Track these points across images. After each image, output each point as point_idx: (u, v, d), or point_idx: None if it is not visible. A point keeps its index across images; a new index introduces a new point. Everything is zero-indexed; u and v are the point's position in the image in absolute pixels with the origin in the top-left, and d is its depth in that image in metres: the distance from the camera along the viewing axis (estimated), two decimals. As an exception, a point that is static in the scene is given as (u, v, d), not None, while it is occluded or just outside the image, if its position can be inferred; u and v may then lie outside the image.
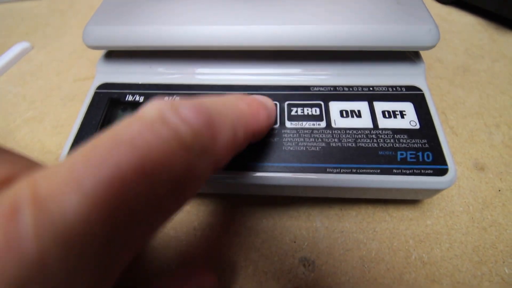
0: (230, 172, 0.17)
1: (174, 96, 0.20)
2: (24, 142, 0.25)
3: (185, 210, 0.20)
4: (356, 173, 0.17)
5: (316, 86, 0.20)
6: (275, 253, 0.18)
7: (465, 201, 0.20)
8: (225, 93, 0.20)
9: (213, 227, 0.20)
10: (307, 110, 0.19)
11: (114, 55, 0.22)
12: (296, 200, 0.20)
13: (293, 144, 0.18)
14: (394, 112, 0.19)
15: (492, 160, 0.22)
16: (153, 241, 0.19)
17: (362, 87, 0.20)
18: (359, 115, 0.19)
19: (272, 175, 0.17)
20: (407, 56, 0.21)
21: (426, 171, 0.17)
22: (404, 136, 0.18)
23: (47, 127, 0.26)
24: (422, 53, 0.22)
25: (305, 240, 0.19)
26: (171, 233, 0.19)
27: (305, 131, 0.18)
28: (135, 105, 0.20)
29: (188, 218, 0.20)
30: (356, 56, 0.21)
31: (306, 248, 0.19)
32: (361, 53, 0.20)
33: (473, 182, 0.21)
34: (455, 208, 0.20)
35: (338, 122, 0.18)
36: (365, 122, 0.18)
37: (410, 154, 0.17)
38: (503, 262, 0.18)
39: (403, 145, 0.17)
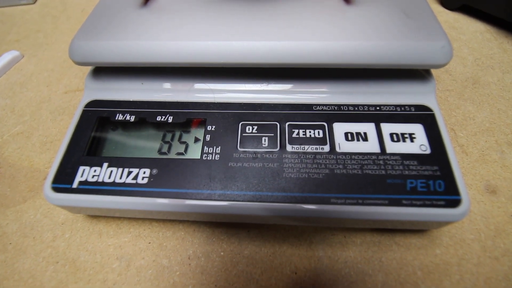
0: (226, 201, 0.16)
1: (168, 115, 0.19)
2: (12, 160, 0.24)
3: (179, 236, 0.19)
4: (363, 204, 0.15)
5: (319, 105, 0.19)
6: (275, 286, 0.17)
7: (476, 228, 0.19)
8: (223, 112, 0.19)
9: (208, 256, 0.18)
10: (310, 132, 0.18)
11: (103, 70, 0.21)
12: (297, 226, 0.19)
13: (295, 170, 0.17)
14: (403, 135, 0.17)
15: (505, 182, 0.21)
16: (145, 271, 0.18)
17: (368, 106, 0.19)
18: (365, 138, 0.17)
19: (271, 206, 0.16)
20: (417, 72, 0.20)
21: (438, 202, 0.15)
22: (414, 163, 0.16)
23: (35, 144, 0.24)
24: (431, 68, 0.20)
25: (307, 271, 0.18)
26: (164, 262, 0.18)
27: (307, 156, 0.17)
28: (125, 125, 0.19)
29: (182, 246, 0.19)
30: (361, 73, 0.20)
31: (307, 281, 0.17)
32: (367, 70, 0.19)
33: (484, 206, 0.20)
34: (466, 236, 0.19)
35: (343, 146, 0.17)
36: (371, 146, 0.17)
37: (421, 182, 0.16)
38: (518, 297, 0.17)
39: (413, 173, 0.16)
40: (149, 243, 0.19)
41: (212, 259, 0.18)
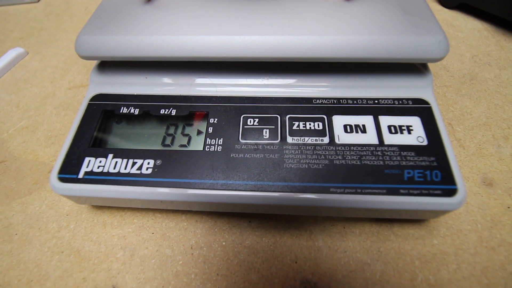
0: (228, 191, 0.16)
1: (171, 109, 0.20)
2: (17, 153, 0.24)
3: (182, 227, 0.20)
4: (361, 193, 0.16)
5: (319, 98, 0.19)
6: (275, 275, 0.18)
7: (473, 219, 0.19)
8: (225, 105, 0.20)
9: (211, 246, 0.19)
10: (310, 124, 0.18)
11: (108, 64, 0.21)
12: (297, 217, 0.20)
13: (295, 161, 0.17)
14: (400, 127, 0.18)
15: (501, 175, 0.21)
16: (149, 260, 0.18)
17: (367, 99, 0.19)
18: (363, 130, 0.18)
19: (272, 195, 0.16)
20: (414, 67, 0.20)
21: (434, 192, 0.16)
22: (411, 154, 0.17)
23: (40, 138, 0.25)
24: (429, 63, 0.21)
25: (307, 261, 0.18)
26: (167, 252, 0.19)
27: (307, 147, 0.17)
28: (130, 118, 0.20)
29: (185, 236, 0.19)
30: (360, 67, 0.20)
31: (307, 269, 0.18)
32: (366, 64, 0.19)
33: (481, 198, 0.20)
34: (463, 227, 0.19)
35: (342, 137, 0.18)
36: (370, 138, 0.18)
37: (418, 173, 0.16)
38: (514, 285, 0.17)
39: (410, 163, 0.17)
40: (153, 233, 0.19)
41: (214, 248, 0.19)
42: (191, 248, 0.19)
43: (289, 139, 0.18)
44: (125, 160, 0.18)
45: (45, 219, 0.21)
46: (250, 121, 0.19)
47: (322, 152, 0.17)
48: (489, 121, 0.24)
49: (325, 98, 0.19)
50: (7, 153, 0.24)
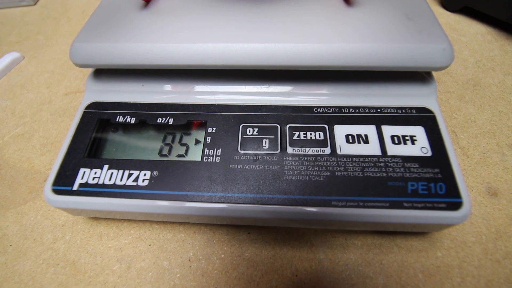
0: (226, 204, 0.16)
1: (168, 117, 0.19)
2: (12, 161, 0.24)
3: (180, 238, 0.19)
4: (364, 207, 0.15)
5: (320, 107, 0.19)
6: (275, 288, 0.17)
7: (477, 230, 0.19)
8: (223, 114, 0.19)
9: (209, 258, 0.18)
10: (310, 134, 0.18)
11: (104, 72, 0.21)
12: (298, 228, 0.19)
13: (295, 173, 0.17)
14: (404, 137, 0.17)
15: (506, 185, 0.21)
16: (146, 273, 0.18)
17: (369, 108, 0.19)
18: (366, 140, 0.17)
19: (271, 208, 0.16)
20: (418, 75, 0.20)
21: (439, 205, 0.15)
22: (415, 165, 0.16)
23: (36, 145, 0.24)
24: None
25: (308, 274, 0.18)
26: (165, 264, 0.18)
27: (308, 158, 0.17)
28: (126, 127, 0.19)
29: (183, 248, 0.19)
30: (362, 75, 0.19)
31: (308, 283, 0.17)
32: (368, 72, 0.19)
33: (485, 209, 0.20)
34: (467, 238, 0.19)
35: (344, 148, 0.17)
36: (372, 148, 0.17)
37: (422, 185, 0.16)
38: (520, 300, 0.17)
39: (414, 175, 0.16)
40: (150, 245, 0.19)
41: (212, 261, 0.18)
42: (189, 260, 0.18)
43: (290, 150, 0.17)
44: (120, 172, 0.17)
45: (40, 229, 0.20)
46: (250, 130, 0.18)
47: (323, 163, 0.17)
48: (494, 129, 0.24)
49: (326, 107, 0.19)
50: (1, 161, 0.24)
